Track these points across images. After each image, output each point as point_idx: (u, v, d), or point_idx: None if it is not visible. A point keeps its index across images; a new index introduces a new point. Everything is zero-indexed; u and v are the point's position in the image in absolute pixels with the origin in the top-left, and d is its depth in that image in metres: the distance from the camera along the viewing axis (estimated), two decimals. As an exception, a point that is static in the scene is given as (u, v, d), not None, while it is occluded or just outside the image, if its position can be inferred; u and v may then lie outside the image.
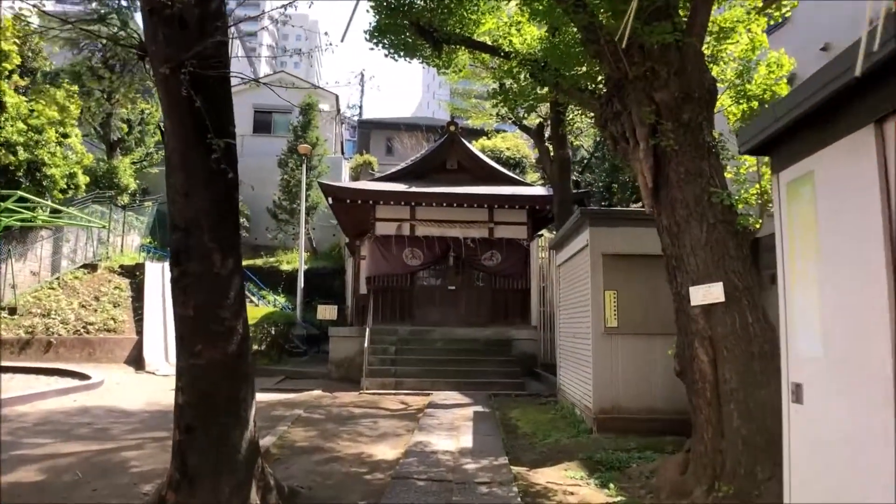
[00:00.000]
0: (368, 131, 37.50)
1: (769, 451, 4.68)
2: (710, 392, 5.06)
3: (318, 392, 11.86)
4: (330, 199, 15.57)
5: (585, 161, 20.98)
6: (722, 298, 5.02)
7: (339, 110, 34.20)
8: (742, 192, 5.70)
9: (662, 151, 5.45)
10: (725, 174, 5.59)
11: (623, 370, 7.52)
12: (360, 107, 48.76)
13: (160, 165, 22.41)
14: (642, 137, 5.46)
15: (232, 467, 4.18)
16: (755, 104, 6.16)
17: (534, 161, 26.63)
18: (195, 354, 4.18)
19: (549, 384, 11.84)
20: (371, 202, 15.69)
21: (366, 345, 13.22)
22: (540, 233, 16.72)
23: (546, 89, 6.76)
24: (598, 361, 7.56)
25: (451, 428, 7.96)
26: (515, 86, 7.38)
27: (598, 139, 22.92)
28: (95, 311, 16.26)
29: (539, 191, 16.81)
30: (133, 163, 23.67)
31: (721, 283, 5.04)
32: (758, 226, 5.27)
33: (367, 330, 13.80)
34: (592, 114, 6.65)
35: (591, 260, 7.75)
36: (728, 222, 5.24)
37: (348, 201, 15.44)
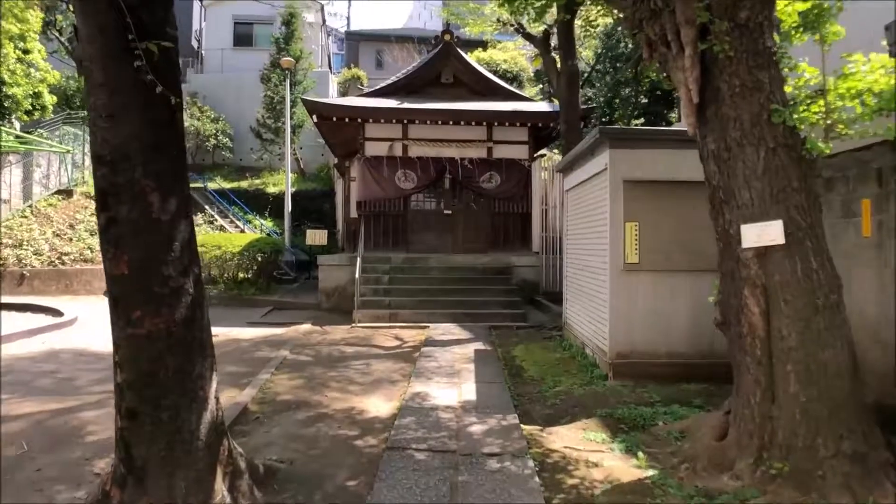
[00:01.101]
0: (357, 44, 35.40)
1: (833, 422, 3.96)
2: (760, 349, 4.28)
3: (307, 326, 11.18)
4: (315, 117, 14.29)
5: (586, 74, 19.49)
6: (781, 240, 4.15)
7: (324, 20, 31.97)
8: (802, 108, 4.69)
9: (712, 59, 4.41)
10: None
11: (643, 311, 6.76)
12: (348, 17, 45.84)
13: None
14: (688, 41, 4.38)
15: (189, 457, 3.41)
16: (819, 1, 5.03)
17: (532, 75, 25.04)
18: (133, 323, 3.31)
19: (553, 315, 11.18)
20: (359, 120, 14.44)
21: (357, 274, 12.40)
22: (542, 152, 15.62)
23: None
24: (616, 301, 6.78)
25: (451, 373, 7.28)
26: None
27: (599, 51, 21.31)
28: (71, 240, 15.33)
29: (543, 106, 15.52)
30: (105, 79, 21.89)
31: (780, 222, 4.15)
32: (827, 151, 4.31)
33: (359, 258, 12.95)
34: (621, 14, 5.47)
35: (610, 187, 6.81)
36: (791, 147, 4.29)
37: (335, 119, 14.18)
